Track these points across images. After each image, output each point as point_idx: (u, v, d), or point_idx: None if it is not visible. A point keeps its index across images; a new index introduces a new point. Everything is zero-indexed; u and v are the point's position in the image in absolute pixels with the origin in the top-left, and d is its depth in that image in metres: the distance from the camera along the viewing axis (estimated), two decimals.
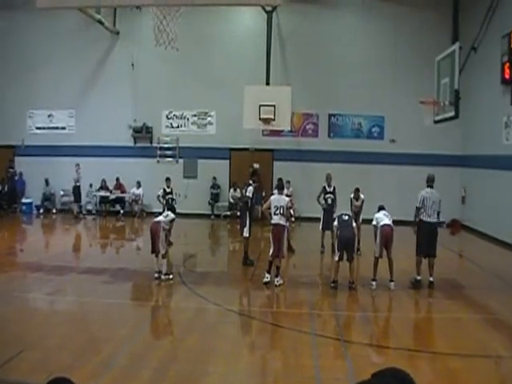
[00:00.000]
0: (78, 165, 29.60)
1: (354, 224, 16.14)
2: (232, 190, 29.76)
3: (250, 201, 18.38)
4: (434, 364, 10.24)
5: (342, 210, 17.23)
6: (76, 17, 28.13)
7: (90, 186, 30.63)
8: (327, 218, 19.78)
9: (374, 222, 16.06)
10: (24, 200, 31.28)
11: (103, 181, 30.60)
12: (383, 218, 15.82)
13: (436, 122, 18.79)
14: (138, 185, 30.29)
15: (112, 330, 11.86)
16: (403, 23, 29.07)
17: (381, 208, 16.54)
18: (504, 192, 23.45)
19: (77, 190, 29.86)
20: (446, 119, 17.82)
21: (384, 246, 15.52)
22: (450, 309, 14.03)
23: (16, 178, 31.61)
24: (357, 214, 19.71)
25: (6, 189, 31.46)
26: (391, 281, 15.48)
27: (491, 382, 9.61)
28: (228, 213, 30.07)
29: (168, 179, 22.35)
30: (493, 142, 24.49)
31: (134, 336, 11.42)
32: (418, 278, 15.59)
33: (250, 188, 18.50)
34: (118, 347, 10.65)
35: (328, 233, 19.92)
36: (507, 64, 22.49)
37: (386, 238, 15.50)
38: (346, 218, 15.75)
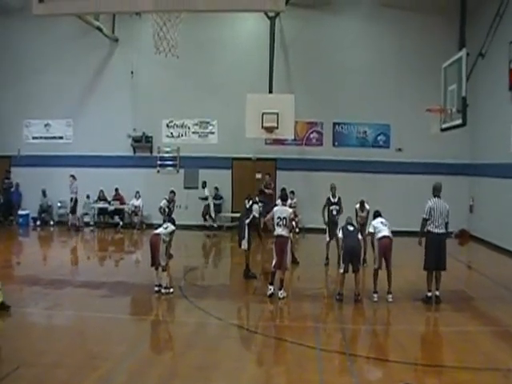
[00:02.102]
0: (72, 176, 29.64)
1: (360, 237, 16.15)
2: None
3: (254, 218, 18.38)
4: (441, 378, 10.25)
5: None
6: (74, 23, 28.14)
7: (88, 197, 30.55)
8: (333, 229, 19.81)
9: (372, 230, 16.11)
10: (20, 212, 31.25)
11: (101, 192, 30.56)
12: (381, 229, 15.83)
13: (443, 129, 18.77)
14: (138, 196, 30.27)
15: (110, 345, 11.84)
16: (408, 28, 29.11)
17: (377, 214, 16.59)
18: None
19: (74, 202, 29.87)
20: (453, 127, 17.80)
21: (383, 258, 15.56)
22: (457, 321, 14.03)
23: (12, 189, 31.63)
24: (362, 225, 19.74)
25: (1, 200, 31.52)
26: (389, 293, 15.52)
27: None
28: (231, 224, 29.94)
29: (173, 192, 22.36)
30: (501, 149, 24.48)
31: (133, 352, 11.41)
32: (429, 294, 15.48)
33: (256, 207, 18.46)
34: (117, 363, 10.65)
35: (333, 243, 19.98)
36: None
37: (384, 249, 15.55)
38: (351, 228, 15.80)
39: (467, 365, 10.67)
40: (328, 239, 20.50)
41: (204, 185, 29.89)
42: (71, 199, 29.78)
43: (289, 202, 18.98)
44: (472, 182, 28.82)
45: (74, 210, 29.93)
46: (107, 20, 29.56)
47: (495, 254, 24.37)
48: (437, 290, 15.49)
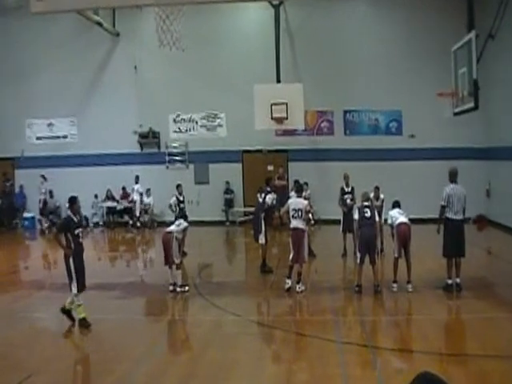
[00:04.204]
0: (42, 176, 29.74)
1: (378, 219, 16.15)
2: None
3: (269, 208, 18.44)
4: (466, 367, 10.27)
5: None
6: (73, 19, 28.18)
7: (96, 196, 30.64)
8: (347, 220, 19.83)
9: (390, 221, 16.10)
10: (26, 214, 31.34)
11: (109, 191, 30.64)
12: (398, 217, 15.84)
13: (456, 114, 18.75)
14: (148, 193, 30.35)
15: (126, 348, 11.91)
16: (416, 12, 28.94)
17: (395, 205, 16.59)
18: None
19: (43, 204, 30.04)
20: (465, 111, 17.76)
21: (402, 246, 15.58)
22: (480, 308, 14.01)
23: (16, 191, 31.75)
24: (378, 214, 19.76)
25: (2, 204, 31.66)
26: (408, 282, 15.53)
27: None
28: (243, 219, 30.02)
29: (179, 186, 22.45)
30: None
31: (149, 353, 11.48)
32: (450, 281, 15.43)
33: (270, 196, 18.52)
34: (134, 366, 10.72)
35: (349, 235, 20.03)
36: None
37: (403, 236, 15.50)
38: (368, 214, 15.74)
39: (492, 353, 10.70)
40: (342, 231, 20.58)
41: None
42: (39, 201, 29.92)
43: (303, 193, 18.98)
44: (488, 166, 28.70)
45: (43, 212, 30.03)
46: (107, 14, 29.58)
47: None
48: (457, 277, 15.47)
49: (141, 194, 30.44)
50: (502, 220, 26.99)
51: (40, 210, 30.32)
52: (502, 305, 14.60)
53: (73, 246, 12.91)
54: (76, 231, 13.02)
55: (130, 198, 30.66)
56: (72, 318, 13.11)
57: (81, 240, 13.19)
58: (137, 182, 30.37)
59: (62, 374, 10.33)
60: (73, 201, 13.54)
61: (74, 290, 12.86)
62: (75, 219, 13.23)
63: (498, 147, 27.25)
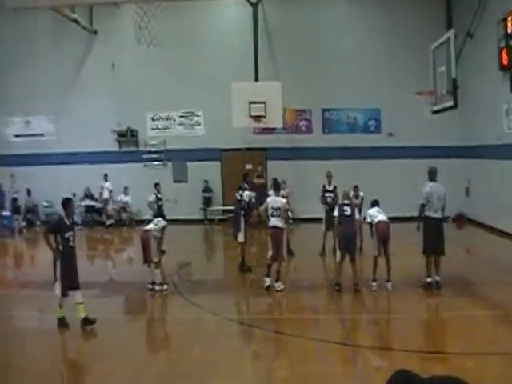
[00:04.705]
0: (12, 175, 29.73)
1: (357, 216, 16.18)
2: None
3: (247, 205, 18.43)
4: (445, 365, 10.32)
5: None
6: (50, 16, 28.06)
7: (74, 195, 30.44)
8: (329, 219, 19.84)
9: (369, 220, 16.18)
10: (4, 213, 31.09)
11: (87, 189, 30.47)
12: (377, 215, 15.87)
13: (434, 112, 18.86)
14: (126, 192, 30.26)
15: (105, 347, 11.86)
16: (396, 11, 29.04)
17: (374, 203, 16.62)
18: (508, 182, 23.53)
19: (12, 202, 30.02)
20: (444, 109, 17.88)
21: (381, 244, 15.62)
22: (459, 306, 14.08)
23: None
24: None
25: None
26: (388, 281, 15.58)
27: (506, 380, 9.66)
28: (222, 217, 29.98)
29: (157, 184, 22.43)
30: (495, 130, 24.57)
31: (128, 352, 11.44)
32: (429, 279, 15.54)
33: (247, 192, 18.53)
34: (113, 365, 10.66)
35: (330, 234, 20.06)
36: (505, 50, 22.57)
37: (382, 235, 15.55)
38: (348, 212, 15.74)
39: (472, 350, 10.77)
40: (324, 229, 20.60)
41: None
42: (12, 199, 29.86)
43: (281, 192, 18.99)
44: (467, 165, 28.82)
45: (17, 211, 29.98)
46: (84, 12, 29.31)
47: (493, 236, 24.46)
48: (437, 275, 15.56)
49: (110, 192, 30.35)
50: (481, 218, 27.15)
51: (13, 208, 30.13)
52: (481, 302, 14.75)
53: (61, 248, 12.72)
54: (66, 234, 12.77)
55: (101, 197, 30.57)
56: (92, 321, 12.84)
57: (71, 244, 12.92)
58: (106, 180, 30.23)
59: (40, 374, 10.25)
60: (67, 203, 13.26)
61: (58, 292, 12.67)
62: (67, 222, 12.97)
63: (476, 146, 27.38)
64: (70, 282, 12.74)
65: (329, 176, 20.92)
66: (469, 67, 24.90)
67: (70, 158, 30.50)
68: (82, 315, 12.71)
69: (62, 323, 12.74)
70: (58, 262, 12.67)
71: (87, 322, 12.71)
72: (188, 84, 29.75)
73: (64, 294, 12.67)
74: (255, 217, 18.31)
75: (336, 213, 16.03)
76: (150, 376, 10.12)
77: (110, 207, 30.53)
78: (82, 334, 12.55)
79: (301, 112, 30.48)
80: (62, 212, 13.45)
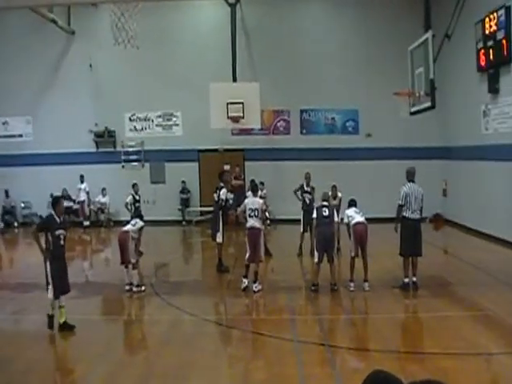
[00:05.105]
0: None
1: (336, 218, 16.20)
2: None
3: (224, 204, 18.41)
4: (423, 365, 10.33)
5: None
6: (27, 17, 27.79)
7: (51, 196, 30.20)
8: (307, 219, 19.89)
9: (346, 220, 16.19)
10: None
11: (64, 190, 30.25)
12: (355, 216, 15.92)
13: (412, 113, 18.89)
14: (104, 192, 30.14)
15: (83, 348, 11.84)
16: (374, 12, 29.22)
17: (352, 204, 16.64)
18: (485, 183, 23.70)
19: None
20: (422, 110, 17.89)
21: (359, 245, 15.67)
22: (436, 307, 14.16)
23: None
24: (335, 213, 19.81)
25: None
26: (365, 281, 15.65)
27: (483, 380, 9.74)
28: (201, 218, 29.94)
29: (135, 185, 22.40)
30: (472, 132, 24.72)
31: (106, 354, 11.38)
32: (406, 280, 15.59)
33: (223, 191, 18.51)
34: (90, 367, 10.62)
35: (307, 235, 20.11)
36: (482, 51, 22.73)
37: (360, 236, 15.64)
38: (326, 213, 15.75)
39: (448, 350, 10.81)
40: (302, 230, 20.63)
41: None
42: None
43: (259, 193, 18.99)
44: (444, 166, 29.02)
45: None
46: (62, 12, 29.20)
47: (470, 237, 24.60)
48: (414, 276, 15.64)
49: (87, 193, 30.22)
50: (458, 219, 27.33)
51: None
52: (458, 303, 14.78)
53: (52, 248, 12.46)
54: (57, 232, 12.49)
55: (76, 199, 30.42)
56: (71, 327, 12.66)
57: (62, 243, 12.66)
58: (82, 182, 30.11)
59: (18, 375, 10.19)
60: (56, 201, 12.95)
61: (50, 295, 12.43)
62: (58, 220, 12.65)
63: (454, 147, 27.57)
64: (62, 283, 12.55)
65: (307, 177, 20.95)
66: (447, 68, 25.02)
67: (47, 158, 30.34)
68: (62, 320, 12.57)
69: (67, 326, 12.54)
70: (48, 263, 12.41)
71: (66, 326, 12.56)
72: (166, 84, 29.73)
73: (56, 296, 12.44)
74: (233, 216, 18.30)
75: (314, 215, 16.04)
76: (127, 377, 10.08)
77: (87, 209, 30.36)
78: (59, 335, 12.45)
79: (279, 113, 30.53)
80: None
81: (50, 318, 12.56)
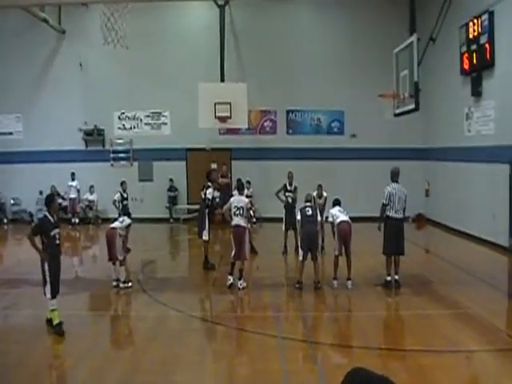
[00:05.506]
0: None
1: (319, 218, 16.23)
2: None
3: (210, 203, 18.40)
4: (404, 362, 10.39)
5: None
6: (19, 16, 27.77)
7: (40, 193, 30.14)
8: (289, 218, 20.00)
9: (330, 219, 16.28)
10: None
11: (53, 187, 30.07)
12: (339, 215, 15.97)
13: (396, 115, 18.90)
14: (92, 190, 30.07)
15: (71, 343, 11.80)
16: (359, 15, 29.31)
17: (336, 203, 16.68)
18: (466, 184, 23.84)
19: None
20: (406, 112, 17.90)
21: (343, 243, 15.70)
22: (417, 305, 14.24)
23: None
24: (320, 211, 19.77)
25: None
26: (349, 279, 15.70)
27: (463, 376, 9.79)
28: (188, 216, 29.92)
29: (123, 183, 22.36)
30: (455, 133, 24.85)
31: (94, 348, 11.37)
32: (388, 278, 15.68)
33: (210, 190, 18.49)
34: (78, 361, 10.60)
35: (291, 233, 20.13)
36: (466, 54, 22.85)
37: (344, 235, 15.68)
38: (310, 212, 15.78)
39: (429, 348, 10.87)
40: (284, 228, 20.67)
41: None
42: None
43: (245, 191, 19.01)
44: (427, 167, 29.19)
45: None
46: (53, 12, 29.10)
47: (451, 236, 24.74)
48: (396, 274, 15.70)
49: (78, 191, 30.16)
50: (439, 219, 27.50)
51: None
52: (439, 301, 14.82)
53: (49, 249, 12.09)
54: (52, 232, 12.20)
55: (65, 196, 30.32)
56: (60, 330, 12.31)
57: (58, 242, 12.40)
58: (73, 179, 30.04)
59: (7, 368, 10.17)
60: (51, 199, 12.67)
61: (48, 295, 12.16)
62: (52, 220, 12.33)
63: (437, 148, 27.69)
64: (58, 283, 12.33)
65: (290, 176, 20.97)
66: (431, 71, 25.14)
67: (37, 156, 30.23)
68: (57, 320, 12.30)
69: (59, 330, 12.16)
70: (46, 264, 12.05)
71: (59, 329, 12.25)
72: (155, 84, 29.67)
73: (54, 296, 12.20)
74: (219, 215, 18.30)
75: (298, 216, 16.06)
76: (114, 371, 10.06)
77: (78, 206, 30.28)
78: (46, 330, 12.39)
79: (265, 113, 30.54)
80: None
81: (58, 325, 12.21)
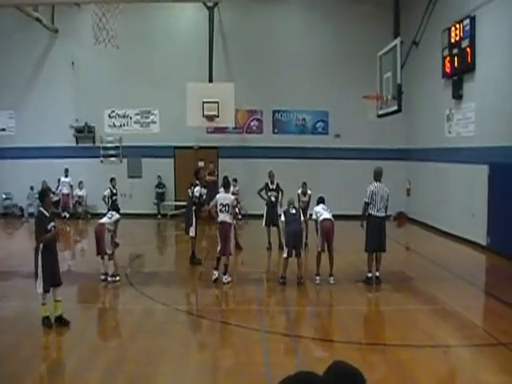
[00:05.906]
0: None
1: (302, 218, 16.29)
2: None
3: (197, 200, 18.39)
4: (384, 356, 10.44)
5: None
6: (12, 15, 27.64)
7: (31, 188, 30.08)
8: (271, 215, 20.20)
9: (314, 216, 16.28)
10: None
11: (44, 182, 29.94)
12: (322, 212, 15.99)
13: (379, 116, 18.96)
14: (81, 186, 30.00)
15: (60, 334, 11.78)
16: (345, 18, 29.35)
17: (320, 201, 16.73)
18: (446, 184, 23.98)
19: None
20: (389, 113, 17.95)
21: (325, 240, 15.72)
22: (397, 301, 14.33)
23: None
24: (304, 209, 19.77)
25: None
26: (331, 275, 15.74)
27: (440, 371, 9.83)
28: (175, 212, 29.91)
29: (113, 179, 22.33)
30: (436, 135, 24.98)
31: (81, 339, 11.38)
32: (370, 275, 15.74)
33: (198, 188, 18.48)
34: (66, 352, 10.69)
35: (273, 229, 20.18)
36: (448, 58, 22.97)
37: (327, 232, 15.69)
38: (294, 211, 15.84)
39: (408, 342, 10.92)
40: (264, 225, 20.76)
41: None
42: None
43: (231, 189, 19.03)
44: (409, 167, 29.34)
45: None
46: (47, 11, 29.02)
47: (431, 234, 24.88)
48: (377, 270, 15.76)
49: (71, 187, 30.08)
50: (420, 217, 27.65)
51: None
52: (418, 297, 14.89)
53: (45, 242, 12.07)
54: (49, 226, 12.14)
55: (57, 191, 30.15)
56: (66, 322, 12.19)
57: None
58: (66, 176, 29.94)
59: None
60: (45, 194, 12.67)
61: (39, 288, 11.97)
62: (47, 214, 12.29)
63: (417, 148, 27.83)
64: (53, 277, 12.16)
65: (271, 175, 21.01)
66: (414, 74, 25.17)
67: (29, 152, 30.11)
68: (58, 312, 12.34)
69: (47, 323, 12.03)
70: (40, 256, 11.96)
71: (61, 320, 12.24)
72: (145, 83, 29.60)
73: (46, 290, 12.05)
74: (206, 212, 18.31)
75: (282, 218, 16.08)
76: (101, 361, 10.04)
77: (71, 201, 30.20)
78: (35, 322, 12.36)
79: (252, 113, 30.56)
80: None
81: (45, 319, 12.05)
